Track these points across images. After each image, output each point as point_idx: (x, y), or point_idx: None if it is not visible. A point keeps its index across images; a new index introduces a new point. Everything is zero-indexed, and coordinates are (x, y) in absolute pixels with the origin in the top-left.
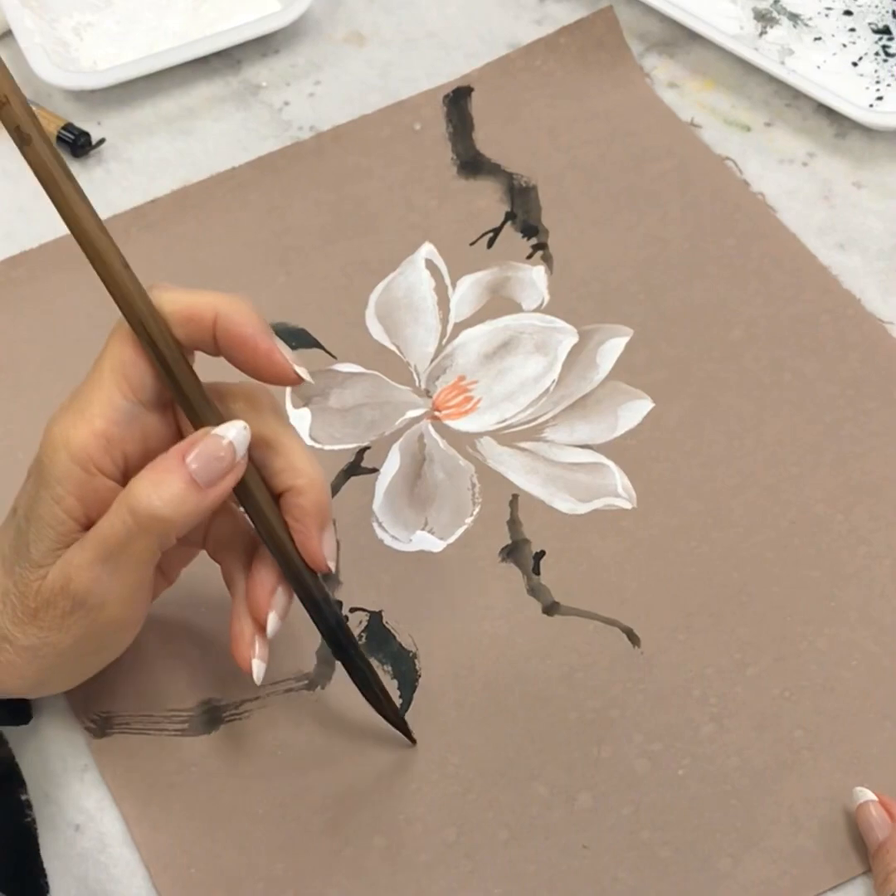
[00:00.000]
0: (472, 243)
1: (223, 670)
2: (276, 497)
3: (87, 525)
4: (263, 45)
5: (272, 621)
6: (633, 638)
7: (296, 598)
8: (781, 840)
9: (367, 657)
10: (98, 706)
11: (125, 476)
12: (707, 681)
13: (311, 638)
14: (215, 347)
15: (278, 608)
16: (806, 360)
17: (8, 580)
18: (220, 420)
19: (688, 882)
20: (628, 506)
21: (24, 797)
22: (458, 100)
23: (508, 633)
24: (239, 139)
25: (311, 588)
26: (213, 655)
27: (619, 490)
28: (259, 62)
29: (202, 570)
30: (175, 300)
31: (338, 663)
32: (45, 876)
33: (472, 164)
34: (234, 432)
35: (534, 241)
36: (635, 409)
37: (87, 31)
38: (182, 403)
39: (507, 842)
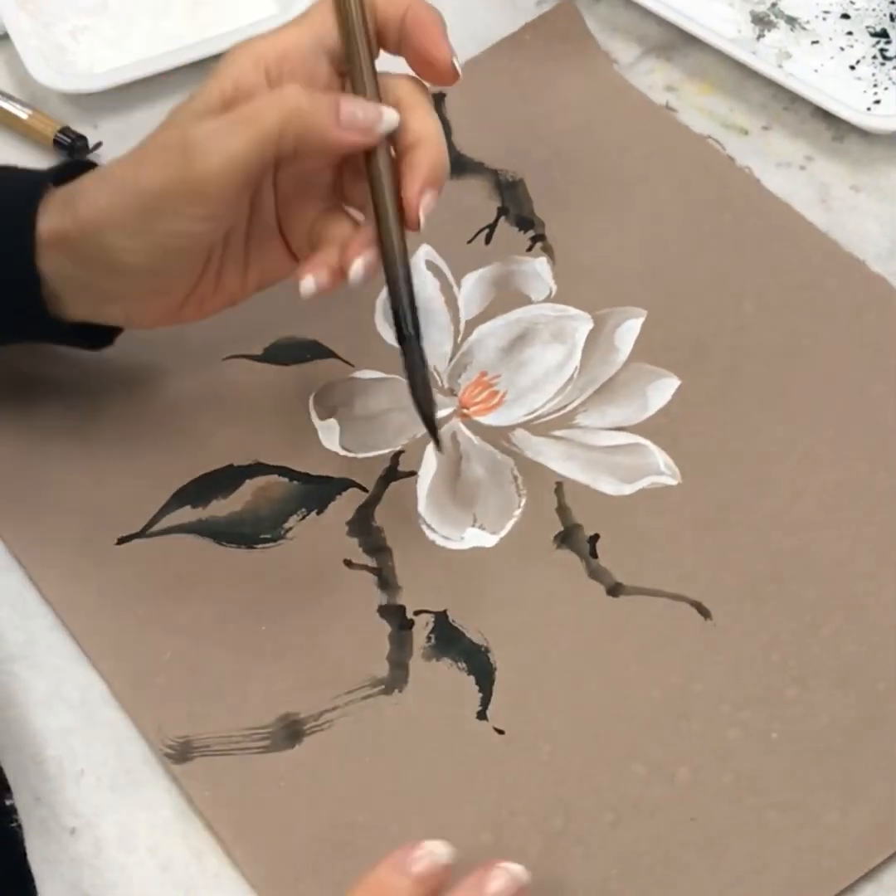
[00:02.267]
0: (470, 241)
1: (296, 683)
2: (401, 155)
3: (227, 109)
4: None
5: (357, 264)
6: (703, 611)
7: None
8: (884, 787)
9: (424, 354)
10: (174, 731)
11: None
12: (783, 645)
13: (380, 644)
14: (399, 40)
15: (368, 258)
16: (821, 324)
17: (138, 144)
18: (377, 90)
19: (800, 839)
20: (673, 482)
21: (8, 802)
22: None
23: (576, 618)
24: None
25: (396, 248)
26: (284, 669)
27: (661, 468)
28: None
29: (254, 588)
30: None
31: (411, 664)
32: (32, 881)
33: (456, 164)
34: (390, 115)
35: (531, 233)
36: (663, 388)
37: (83, 35)
38: (353, 69)
39: (615, 823)
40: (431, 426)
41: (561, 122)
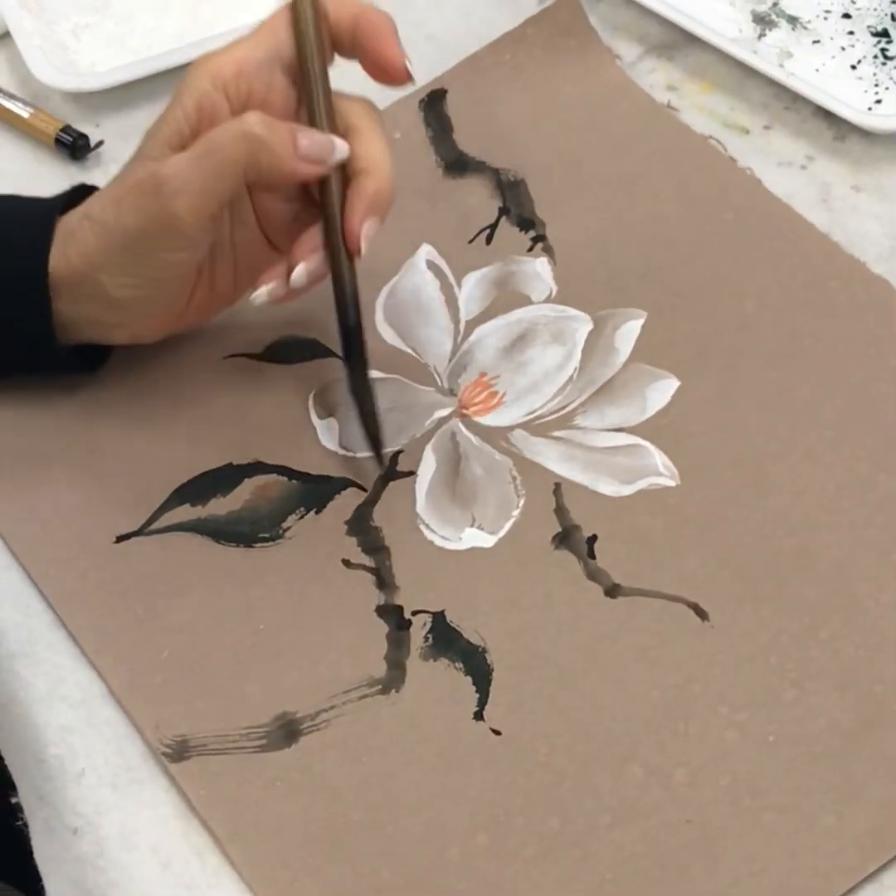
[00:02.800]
0: (471, 241)
1: (294, 683)
2: (348, 181)
3: (195, 136)
4: None
5: (299, 270)
6: (701, 612)
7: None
8: (882, 790)
9: (370, 378)
10: (171, 730)
11: (240, 113)
12: (781, 647)
13: (378, 644)
14: (352, 46)
15: (310, 264)
16: (822, 325)
17: (116, 177)
18: (329, 104)
19: (796, 843)
20: (672, 483)
21: (14, 800)
22: (433, 103)
23: (574, 618)
24: None
25: (344, 273)
26: (282, 669)
27: (660, 469)
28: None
29: (252, 588)
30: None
31: (409, 664)
32: (40, 880)
33: (458, 163)
34: (341, 146)
35: (532, 233)
36: (662, 389)
37: (85, 33)
38: (308, 88)
39: (611, 825)
40: (377, 447)
41: (562, 119)
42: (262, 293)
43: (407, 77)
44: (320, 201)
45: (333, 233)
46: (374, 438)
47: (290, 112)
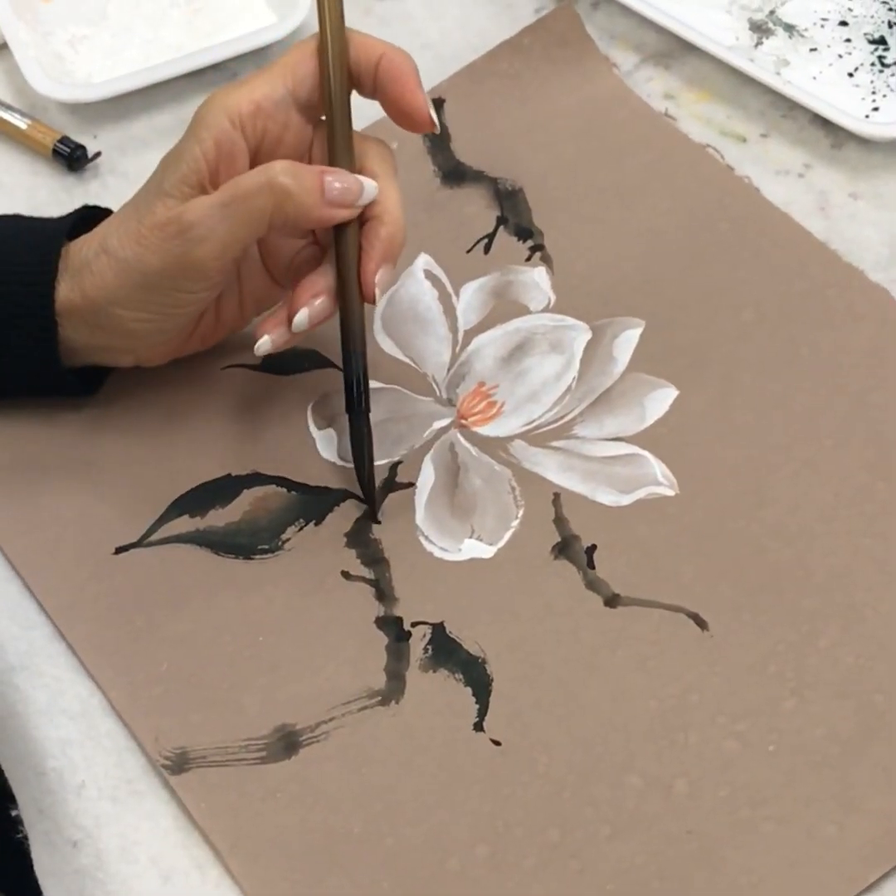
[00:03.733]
0: (469, 250)
1: (293, 694)
2: (362, 225)
3: (213, 174)
4: (259, 58)
5: (301, 315)
6: (700, 622)
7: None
8: (882, 800)
9: (370, 428)
10: (171, 742)
11: (258, 152)
12: (780, 657)
13: (377, 656)
14: (373, 86)
15: (313, 310)
16: (820, 334)
17: (132, 208)
18: (351, 147)
19: (797, 853)
20: (671, 492)
21: (14, 813)
22: None
23: (573, 628)
24: None
25: (355, 323)
26: (281, 680)
27: (659, 478)
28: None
29: (251, 599)
30: (356, 35)
31: (408, 675)
32: (40, 893)
33: (455, 173)
34: (370, 186)
35: (530, 243)
36: (660, 399)
37: (82, 44)
38: (332, 127)
39: (611, 837)
40: (371, 499)
41: (560, 128)
42: (265, 343)
43: (431, 126)
44: (336, 247)
45: (349, 279)
46: (368, 492)
47: (304, 151)
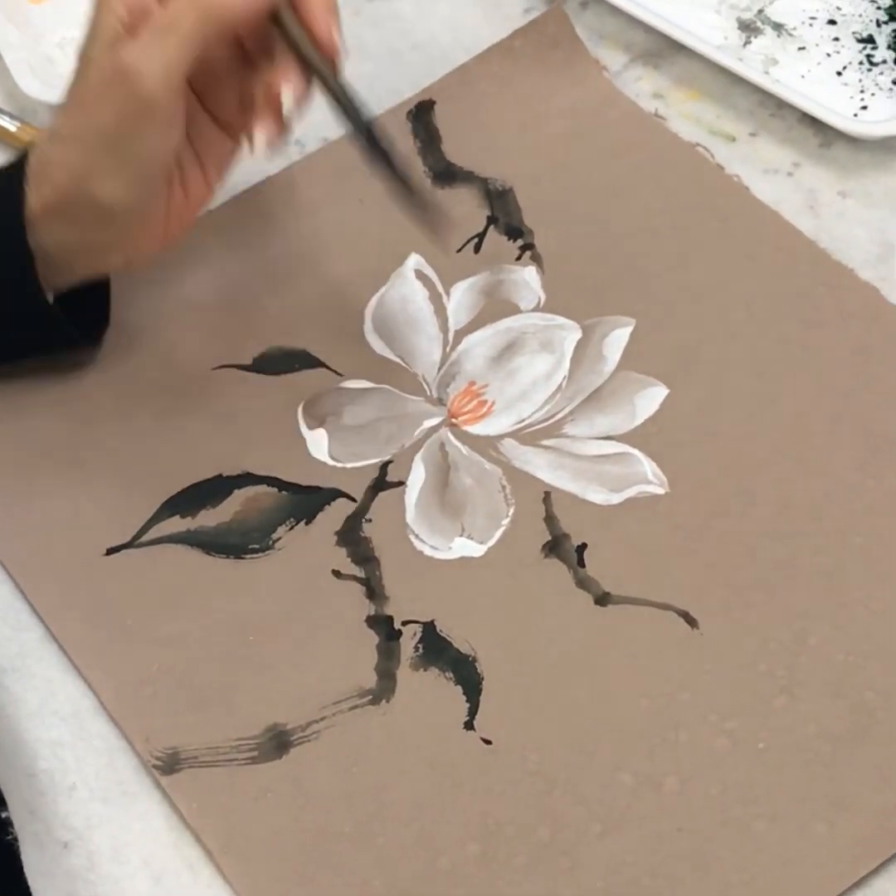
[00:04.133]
0: (459, 250)
1: (284, 694)
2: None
3: (130, 26)
4: None
5: (287, 98)
6: (691, 620)
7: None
8: (872, 797)
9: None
10: (162, 742)
11: None
12: (771, 654)
13: (368, 655)
14: None
15: (294, 85)
16: (810, 333)
17: (66, 99)
18: None
19: (787, 851)
20: (661, 491)
21: (4, 815)
22: (421, 114)
23: (564, 627)
24: None
25: (336, 82)
26: (272, 680)
27: (649, 476)
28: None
29: (242, 599)
30: None
31: (399, 674)
32: (30, 894)
33: (445, 174)
34: None
35: (520, 242)
36: (651, 397)
37: (72, 47)
38: None
39: (602, 834)
40: (428, 214)
41: (550, 129)
42: (259, 145)
43: (333, 46)
44: (281, 33)
45: (304, 48)
46: (423, 203)
47: None
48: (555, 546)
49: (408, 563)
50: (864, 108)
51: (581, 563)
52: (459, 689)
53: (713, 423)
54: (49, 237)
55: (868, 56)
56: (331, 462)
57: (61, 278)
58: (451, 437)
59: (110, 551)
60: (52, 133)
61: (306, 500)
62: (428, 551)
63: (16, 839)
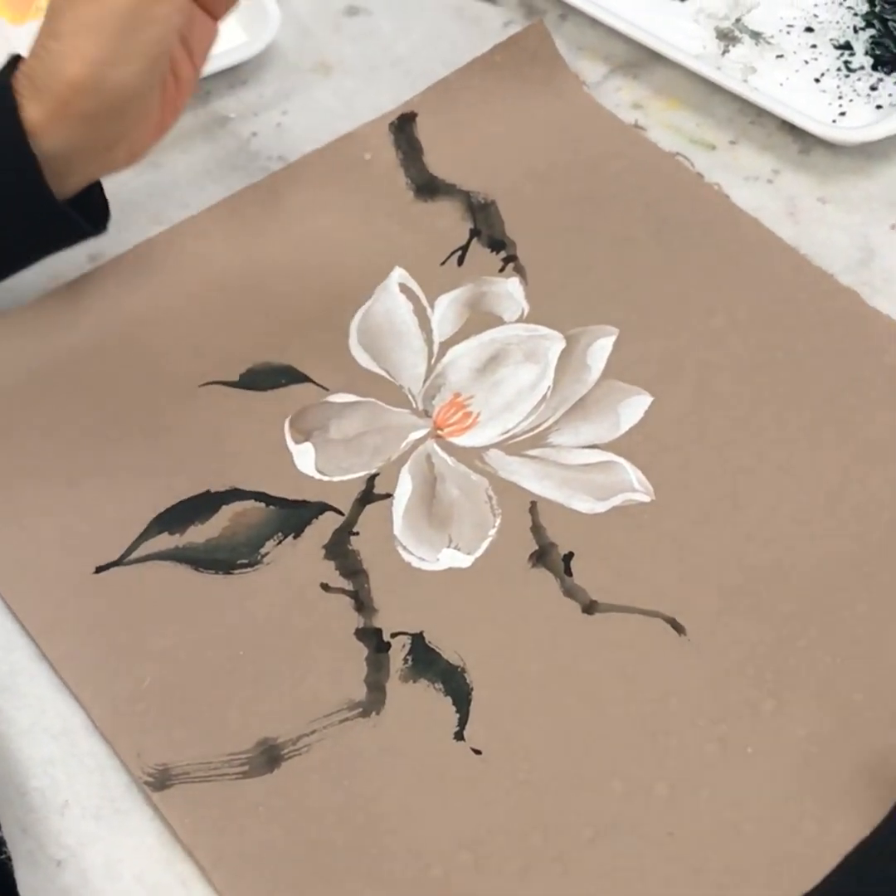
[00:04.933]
0: (443, 263)
1: (275, 708)
2: None
3: None
4: (231, 76)
5: None
6: (678, 627)
7: None
8: (861, 795)
9: None
10: (153, 758)
11: None
12: (759, 659)
13: (357, 667)
14: None
15: None
16: (792, 338)
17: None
18: None
19: (778, 851)
20: (647, 499)
21: None
22: (403, 126)
23: (552, 636)
24: (208, 171)
25: None
26: (262, 694)
27: (635, 485)
28: (227, 93)
29: (232, 614)
30: None
31: (388, 686)
32: None
33: (428, 186)
34: None
35: (503, 254)
36: (635, 405)
37: None
38: None
39: (593, 840)
40: None
41: (531, 142)
42: None
43: None
44: None
45: None
46: None
47: None
48: (542, 555)
49: (396, 575)
50: (843, 114)
51: (568, 572)
52: (449, 699)
53: (696, 431)
54: (54, 143)
55: (846, 63)
56: (318, 476)
57: (67, 184)
58: (438, 449)
59: (100, 569)
60: (50, 32)
61: (294, 515)
62: (416, 563)
63: (9, 858)
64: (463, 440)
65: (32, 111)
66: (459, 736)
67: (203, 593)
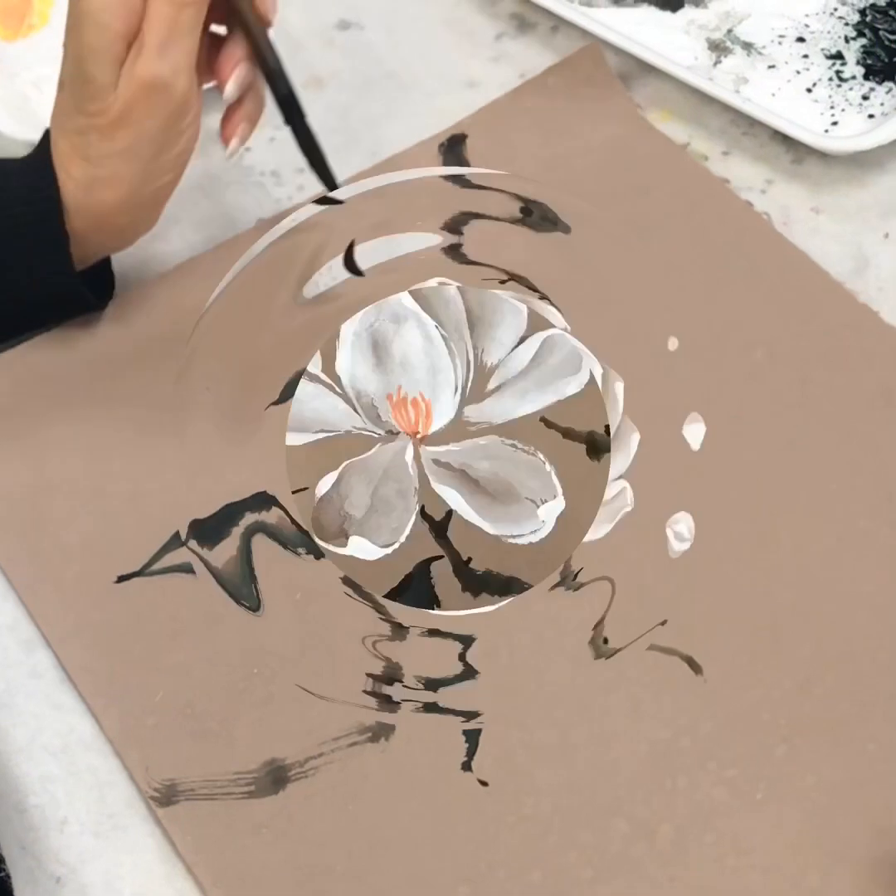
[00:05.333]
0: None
1: (284, 729)
2: None
3: (128, 38)
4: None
5: (229, 87)
6: (695, 666)
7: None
8: (867, 850)
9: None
10: (161, 774)
11: None
12: (774, 703)
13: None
14: None
15: (238, 75)
16: (832, 375)
17: (74, 127)
18: None
19: None
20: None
21: None
22: (453, 147)
23: (565, 669)
24: (201, 186)
25: (265, 49)
26: (273, 714)
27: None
28: (220, 109)
29: (248, 631)
30: None
31: (399, 713)
32: None
33: None
34: None
35: None
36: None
37: (46, 84)
38: None
39: (593, 880)
40: (326, 172)
41: (581, 165)
42: (234, 143)
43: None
44: (236, 9)
45: (254, 30)
46: (323, 168)
47: None
48: (559, 587)
49: None
50: (835, 123)
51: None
52: (459, 729)
53: (729, 466)
54: (85, 234)
55: (837, 72)
56: (381, 552)
57: (84, 260)
58: (437, 448)
59: (121, 579)
60: (84, 156)
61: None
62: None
63: (8, 876)
64: (439, 425)
65: (75, 223)
66: (467, 767)
67: (220, 608)
